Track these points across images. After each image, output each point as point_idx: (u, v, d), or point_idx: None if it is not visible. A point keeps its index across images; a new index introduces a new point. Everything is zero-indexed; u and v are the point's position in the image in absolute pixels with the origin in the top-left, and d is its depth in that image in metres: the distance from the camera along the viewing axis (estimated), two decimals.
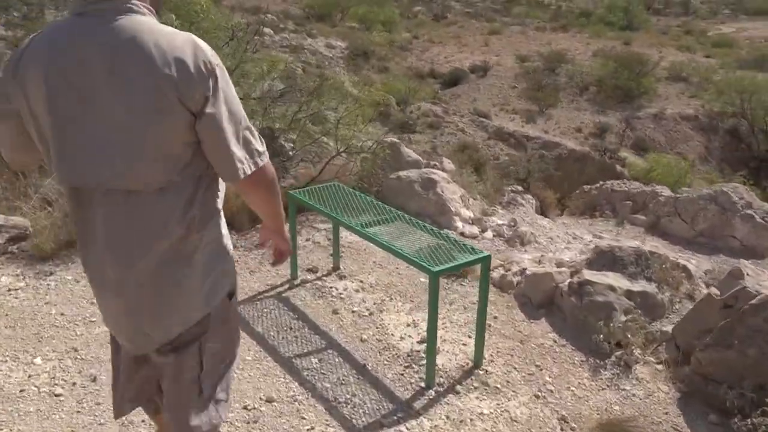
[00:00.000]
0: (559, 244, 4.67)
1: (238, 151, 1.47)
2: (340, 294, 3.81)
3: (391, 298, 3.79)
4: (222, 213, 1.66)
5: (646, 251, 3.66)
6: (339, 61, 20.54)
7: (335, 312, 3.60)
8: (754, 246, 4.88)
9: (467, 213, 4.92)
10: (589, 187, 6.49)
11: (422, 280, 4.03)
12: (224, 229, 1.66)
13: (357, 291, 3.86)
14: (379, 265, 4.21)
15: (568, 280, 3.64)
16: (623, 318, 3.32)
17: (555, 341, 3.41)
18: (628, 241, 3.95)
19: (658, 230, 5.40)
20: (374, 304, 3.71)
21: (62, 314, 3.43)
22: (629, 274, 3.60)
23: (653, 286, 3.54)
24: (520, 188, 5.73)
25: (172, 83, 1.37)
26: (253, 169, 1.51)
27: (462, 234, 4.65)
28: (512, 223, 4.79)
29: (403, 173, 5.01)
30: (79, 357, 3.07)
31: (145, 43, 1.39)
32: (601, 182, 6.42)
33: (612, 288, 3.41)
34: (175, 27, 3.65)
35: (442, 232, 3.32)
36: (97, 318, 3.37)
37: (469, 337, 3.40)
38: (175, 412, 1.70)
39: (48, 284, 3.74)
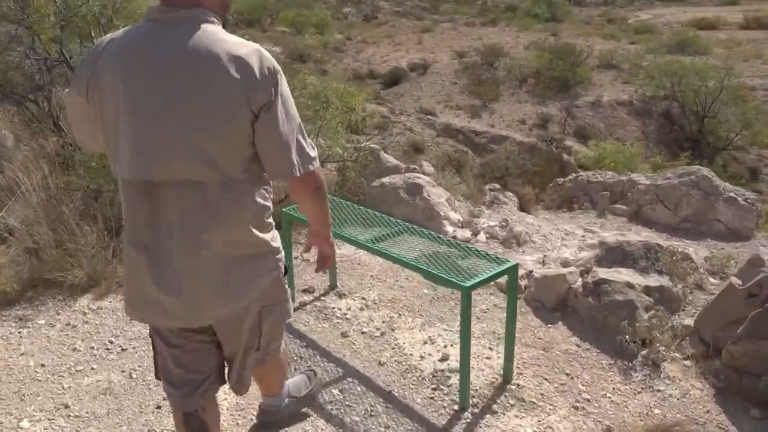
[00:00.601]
0: (554, 241, 4.58)
1: (292, 152, 1.61)
2: (345, 314, 3.57)
3: (400, 314, 3.58)
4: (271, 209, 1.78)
5: (654, 244, 3.59)
6: None
7: (344, 335, 3.36)
8: (738, 228, 4.95)
9: (455, 216, 4.76)
10: (562, 179, 6.47)
11: (425, 291, 3.85)
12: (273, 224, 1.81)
13: (362, 309, 3.63)
14: (377, 279, 4.00)
15: (581, 280, 3.53)
16: (646, 315, 3.23)
17: (578, 345, 3.29)
18: (637, 237, 3.88)
19: (641, 219, 5.42)
20: (383, 322, 3.50)
21: (42, 365, 3.06)
22: (641, 269, 3.52)
23: (666, 279, 3.47)
24: (498, 186, 5.64)
25: (240, 86, 1.51)
26: (303, 171, 1.64)
27: (454, 237, 4.49)
28: (504, 224, 4.67)
29: (386, 180, 4.81)
30: (72, 414, 2.72)
31: (217, 50, 1.52)
32: (576, 174, 6.42)
33: (630, 285, 3.32)
34: None
35: (457, 241, 3.14)
36: (83, 366, 3.02)
37: (490, 349, 3.24)
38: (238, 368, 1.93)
39: (19, 332, 3.34)
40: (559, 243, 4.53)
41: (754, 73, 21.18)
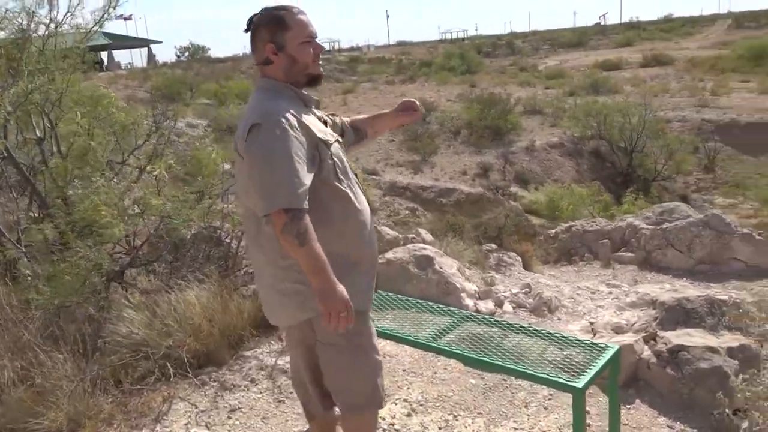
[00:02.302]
0: (585, 303, 4.23)
1: (261, 194, 1.86)
2: (393, 425, 3.02)
3: (455, 416, 3.07)
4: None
5: (716, 298, 3.28)
6: (206, 140, 19.48)
7: None
8: (758, 264, 4.79)
9: (471, 287, 4.34)
10: (554, 231, 6.22)
11: (473, 381, 3.37)
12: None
13: (409, 415, 3.10)
14: (413, 374, 3.48)
15: (648, 349, 3.15)
16: (737, 381, 2.87)
17: (670, 427, 2.88)
18: (692, 290, 3.58)
19: (651, 265, 5.20)
20: (440, 429, 2.97)
21: None
22: (710, 328, 3.19)
23: (742, 336, 3.15)
24: (495, 246, 5.30)
25: (237, 136, 2.01)
26: (266, 212, 1.85)
27: (477, 312, 4.05)
28: (527, 289, 4.29)
29: (390, 255, 4.35)
30: None
31: (245, 110, 2.12)
32: (569, 224, 6.18)
33: (712, 349, 2.96)
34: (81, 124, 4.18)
35: (525, 326, 2.70)
36: None
37: None
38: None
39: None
40: (591, 304, 4.18)
41: (665, 107, 22.34)
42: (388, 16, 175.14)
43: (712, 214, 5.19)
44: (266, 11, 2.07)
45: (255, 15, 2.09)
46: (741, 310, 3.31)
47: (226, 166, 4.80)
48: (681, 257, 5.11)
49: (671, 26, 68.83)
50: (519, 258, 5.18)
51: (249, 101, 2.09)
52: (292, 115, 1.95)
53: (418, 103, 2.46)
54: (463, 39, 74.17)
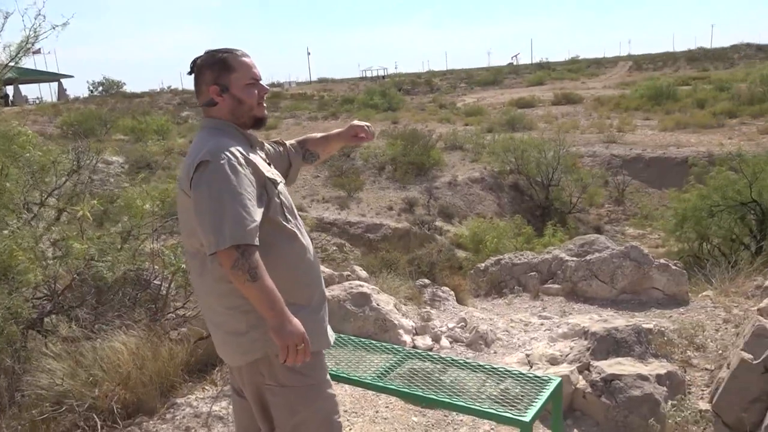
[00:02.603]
0: (518, 335, 4.32)
1: (209, 232, 1.82)
2: None
3: None
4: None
5: (643, 327, 3.44)
6: (122, 177, 18.79)
7: None
8: (675, 293, 5.07)
9: (408, 323, 4.35)
10: (484, 264, 6.36)
11: (414, 419, 3.35)
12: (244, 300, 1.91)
13: None
14: (354, 414, 3.43)
15: (583, 379, 3.26)
16: (667, 407, 3.00)
17: None
18: (620, 320, 3.73)
19: (577, 296, 5.40)
20: None
21: None
22: (638, 356, 3.33)
23: (667, 362, 3.31)
24: (428, 281, 5.35)
25: (182, 174, 2.01)
26: (216, 249, 1.81)
27: (415, 348, 4.06)
28: (463, 323, 4.34)
29: (326, 293, 4.29)
30: None
31: (192, 147, 2.06)
32: (498, 257, 6.34)
33: (643, 377, 3.09)
34: None
35: (470, 361, 2.73)
36: None
37: None
38: None
39: None
40: (525, 336, 4.28)
41: (577, 143, 23.53)
42: (309, 53, 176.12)
43: (632, 246, 5.48)
44: (210, 54, 2.09)
45: (198, 57, 2.11)
46: (665, 338, 3.49)
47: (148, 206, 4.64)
48: (605, 288, 5.35)
49: (578, 67, 73.21)
50: (452, 292, 5.26)
51: (194, 140, 2.08)
52: (240, 152, 1.95)
53: (367, 125, 2.49)
54: (383, 76, 75.83)
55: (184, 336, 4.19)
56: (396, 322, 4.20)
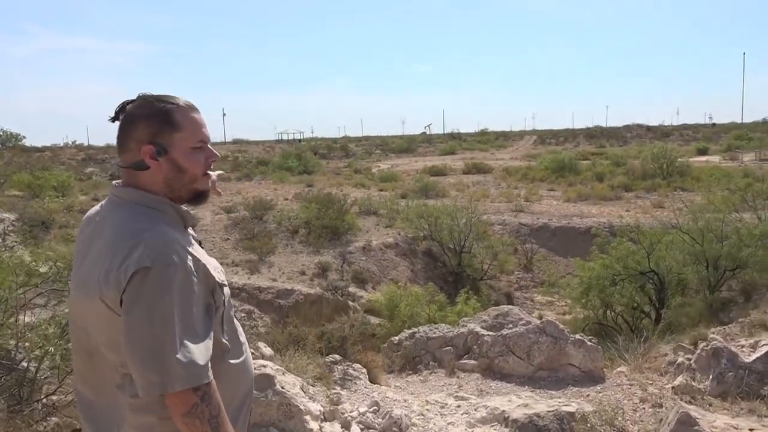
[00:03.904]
0: (436, 420, 4.02)
1: (152, 368, 1.38)
2: None
3: None
4: None
5: (564, 412, 3.25)
6: (11, 235, 17.37)
7: None
8: (591, 370, 4.97)
9: (316, 407, 3.96)
10: (398, 338, 6.06)
11: None
12: None
13: None
14: None
15: None
16: None
17: None
18: (542, 404, 3.51)
19: (494, 372, 5.19)
20: None
21: None
22: None
23: None
24: (339, 358, 4.99)
25: (99, 276, 1.45)
26: (163, 391, 1.38)
27: None
28: (375, 407, 4.00)
29: None
30: None
31: (110, 234, 1.50)
32: (413, 330, 6.07)
33: None
34: None
35: None
36: None
37: None
38: None
39: None
40: (441, 421, 3.98)
41: (487, 211, 24.18)
42: (224, 114, 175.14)
43: (548, 321, 5.40)
44: (147, 101, 1.60)
45: (129, 102, 1.61)
46: (588, 425, 3.32)
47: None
48: (522, 364, 5.19)
49: (487, 138, 76.87)
50: (364, 370, 4.92)
51: (109, 220, 1.55)
52: (188, 252, 1.50)
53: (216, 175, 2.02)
54: (299, 140, 76.27)
55: (56, 429, 3.62)
56: (302, 407, 3.81)
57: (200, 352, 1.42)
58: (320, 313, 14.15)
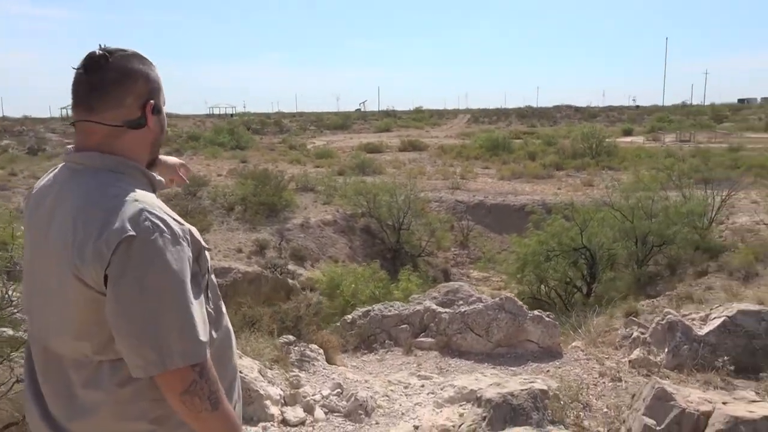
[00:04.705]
0: (401, 401, 3.91)
1: (148, 345, 1.25)
2: None
3: None
4: None
5: (537, 391, 3.21)
6: None
7: None
8: (549, 346, 4.99)
9: (276, 391, 3.77)
10: (351, 317, 5.90)
11: None
12: None
13: None
14: None
15: None
16: None
17: None
18: (513, 382, 3.45)
19: (452, 350, 5.14)
20: None
21: None
22: (536, 424, 3.08)
23: (564, 429, 3.08)
24: (293, 338, 4.79)
25: (72, 250, 1.29)
26: (162, 369, 1.25)
27: (285, 422, 3.50)
28: (338, 390, 3.84)
29: None
30: None
31: (76, 204, 1.33)
32: (367, 308, 5.92)
33: None
34: None
35: None
36: None
37: None
38: None
39: None
40: (407, 401, 3.88)
41: (425, 188, 24.29)
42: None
43: (506, 297, 5.38)
44: (135, 56, 1.46)
45: (119, 50, 1.43)
46: (561, 402, 3.29)
47: None
48: (480, 341, 5.17)
49: (421, 116, 77.22)
50: (321, 351, 4.76)
51: (72, 188, 1.37)
52: (171, 216, 1.37)
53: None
54: (231, 115, 74.15)
55: None
56: (262, 392, 3.61)
57: (199, 324, 1.31)
58: (259, 292, 13.83)
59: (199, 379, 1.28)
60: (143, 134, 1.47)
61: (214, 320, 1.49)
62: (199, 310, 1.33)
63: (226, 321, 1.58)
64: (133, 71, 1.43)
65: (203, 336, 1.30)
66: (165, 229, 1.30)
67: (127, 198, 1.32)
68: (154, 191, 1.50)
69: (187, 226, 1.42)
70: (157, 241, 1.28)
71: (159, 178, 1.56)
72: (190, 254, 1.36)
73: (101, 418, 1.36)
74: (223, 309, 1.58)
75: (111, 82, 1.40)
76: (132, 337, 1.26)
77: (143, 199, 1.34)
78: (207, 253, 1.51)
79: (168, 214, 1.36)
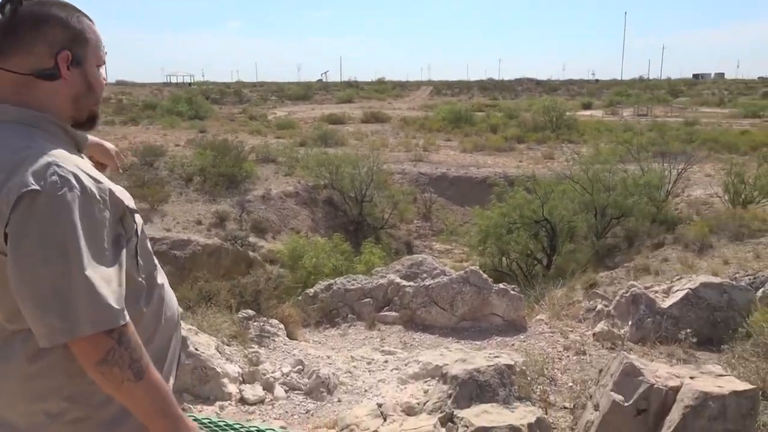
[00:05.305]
0: (364, 377, 3.80)
1: (46, 312, 1.13)
2: None
3: None
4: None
5: (503, 367, 3.14)
6: None
7: None
8: (514, 319, 4.94)
9: (234, 369, 3.62)
10: (313, 290, 5.75)
11: None
12: None
13: None
14: None
15: None
16: None
17: None
18: (479, 358, 3.37)
19: (416, 324, 5.05)
20: None
21: None
22: (503, 400, 3.01)
23: (532, 406, 3.03)
24: (252, 313, 4.63)
25: None
26: (72, 337, 1.13)
27: (243, 401, 3.36)
28: (299, 367, 3.71)
29: None
30: None
31: None
32: (330, 282, 5.78)
33: (514, 428, 2.75)
34: None
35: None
36: None
37: None
38: None
39: None
40: (370, 378, 3.78)
41: (387, 160, 24.11)
42: (105, 53, 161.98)
43: (471, 270, 5.31)
44: (59, 2, 1.33)
45: None
46: (528, 378, 3.24)
47: None
48: (445, 315, 5.10)
49: (384, 88, 76.57)
50: (282, 326, 4.62)
51: None
52: (86, 173, 1.23)
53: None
54: (189, 83, 72.23)
55: None
56: (219, 370, 3.46)
57: (112, 287, 1.18)
58: (219, 264, 13.56)
59: (117, 346, 1.17)
60: (60, 87, 1.32)
61: (146, 291, 1.35)
62: (115, 274, 1.20)
63: (163, 292, 1.43)
64: (48, 16, 1.29)
65: (116, 302, 1.17)
66: (76, 184, 1.17)
67: (36, 150, 1.20)
68: (79, 149, 1.38)
69: (108, 184, 1.28)
70: (65, 197, 1.15)
71: (83, 135, 1.42)
72: (108, 215, 1.22)
73: (8, 394, 1.25)
74: (160, 280, 1.44)
75: (21, 25, 1.26)
76: (35, 301, 1.14)
77: (55, 153, 1.21)
78: (137, 216, 1.37)
79: (82, 170, 1.23)
